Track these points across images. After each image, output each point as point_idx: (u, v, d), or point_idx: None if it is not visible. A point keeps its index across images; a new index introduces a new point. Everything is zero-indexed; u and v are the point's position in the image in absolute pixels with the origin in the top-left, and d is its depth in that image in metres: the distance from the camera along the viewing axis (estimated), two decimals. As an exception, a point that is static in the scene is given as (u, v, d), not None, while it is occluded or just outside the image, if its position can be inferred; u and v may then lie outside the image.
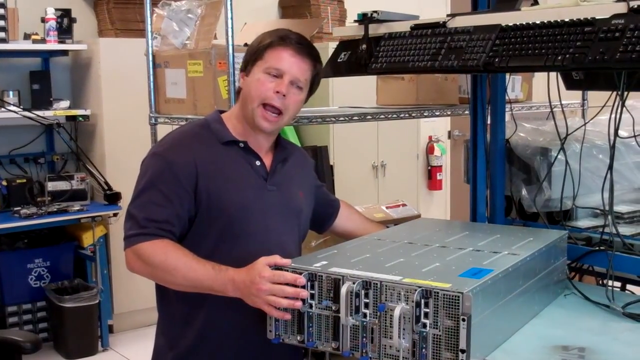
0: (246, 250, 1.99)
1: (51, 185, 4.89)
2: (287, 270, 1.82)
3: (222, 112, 2.19)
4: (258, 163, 2.10)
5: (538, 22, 2.05)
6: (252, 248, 1.99)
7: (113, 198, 4.87)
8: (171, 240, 1.97)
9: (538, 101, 3.91)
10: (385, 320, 1.68)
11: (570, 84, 2.76)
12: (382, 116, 3.32)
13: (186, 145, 2.04)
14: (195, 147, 2.04)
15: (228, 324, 2.03)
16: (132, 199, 2.03)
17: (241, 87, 2.12)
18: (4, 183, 4.80)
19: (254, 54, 2.08)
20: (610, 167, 2.29)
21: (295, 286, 1.79)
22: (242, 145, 2.09)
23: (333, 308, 1.76)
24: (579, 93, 3.72)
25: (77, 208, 4.77)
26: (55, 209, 4.70)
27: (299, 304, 1.79)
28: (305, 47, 2.09)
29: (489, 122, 2.70)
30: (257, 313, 1.89)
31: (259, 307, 1.83)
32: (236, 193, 2.03)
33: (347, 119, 3.19)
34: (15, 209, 4.66)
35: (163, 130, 2.57)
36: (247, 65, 2.10)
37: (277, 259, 1.84)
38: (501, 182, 2.70)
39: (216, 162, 2.04)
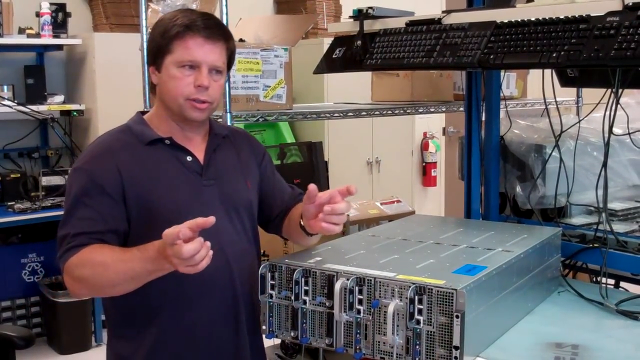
0: None
1: (45, 180, 4.87)
2: (281, 267, 1.82)
3: (144, 112, 2.03)
4: (189, 158, 1.93)
5: (533, 19, 2.05)
6: None
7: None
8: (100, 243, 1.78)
9: (533, 98, 3.91)
10: (379, 316, 1.68)
11: (565, 81, 2.76)
12: (377, 112, 3.33)
13: (106, 153, 1.87)
14: (116, 153, 1.86)
15: (178, 343, 1.90)
16: (60, 224, 1.83)
17: (154, 84, 1.94)
18: (-2, 178, 4.79)
19: (161, 46, 1.88)
20: (605, 165, 2.30)
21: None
22: (167, 142, 1.92)
23: (327, 304, 1.75)
24: (573, 90, 3.73)
25: (71, 203, 4.75)
26: (49, 204, 4.68)
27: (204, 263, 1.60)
28: (214, 30, 1.89)
29: (483, 119, 2.70)
30: (206, 328, 1.88)
31: (189, 272, 1.62)
32: (169, 195, 1.86)
33: (341, 115, 3.19)
34: (9, 203, 4.65)
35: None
36: (156, 59, 1.90)
37: (198, 221, 1.58)
38: (495, 179, 2.70)
39: (142, 165, 1.87)
